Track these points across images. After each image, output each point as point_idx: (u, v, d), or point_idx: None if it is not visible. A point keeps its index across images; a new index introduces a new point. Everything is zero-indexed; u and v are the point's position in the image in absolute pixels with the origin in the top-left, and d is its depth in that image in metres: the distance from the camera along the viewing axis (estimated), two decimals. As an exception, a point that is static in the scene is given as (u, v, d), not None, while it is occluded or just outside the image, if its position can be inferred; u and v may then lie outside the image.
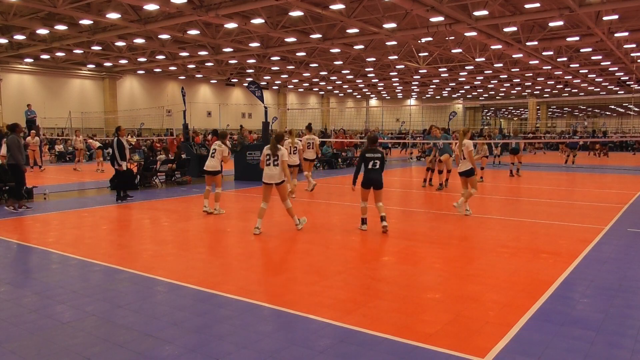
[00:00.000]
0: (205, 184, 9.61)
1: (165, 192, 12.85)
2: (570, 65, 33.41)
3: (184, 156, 15.78)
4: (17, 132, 10.11)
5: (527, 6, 18.66)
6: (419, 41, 26.27)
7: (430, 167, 14.02)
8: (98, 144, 21.67)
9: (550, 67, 33.25)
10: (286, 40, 25.61)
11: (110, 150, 28.45)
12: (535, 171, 17.75)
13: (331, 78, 41.75)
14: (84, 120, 32.88)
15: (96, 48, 28.06)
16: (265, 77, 41.50)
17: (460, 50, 27.86)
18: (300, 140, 12.97)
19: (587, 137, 33.76)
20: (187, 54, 29.78)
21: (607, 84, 45.30)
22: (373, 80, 43.75)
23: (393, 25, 21.74)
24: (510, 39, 23.95)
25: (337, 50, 28.05)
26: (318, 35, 23.76)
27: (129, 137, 30.95)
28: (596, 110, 72.06)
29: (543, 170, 19.68)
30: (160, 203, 10.58)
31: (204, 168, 9.47)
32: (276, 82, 46.15)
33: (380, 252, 6.55)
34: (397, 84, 47.26)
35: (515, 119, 79.02)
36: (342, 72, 38.32)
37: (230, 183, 15.33)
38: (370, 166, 7.71)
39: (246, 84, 22.60)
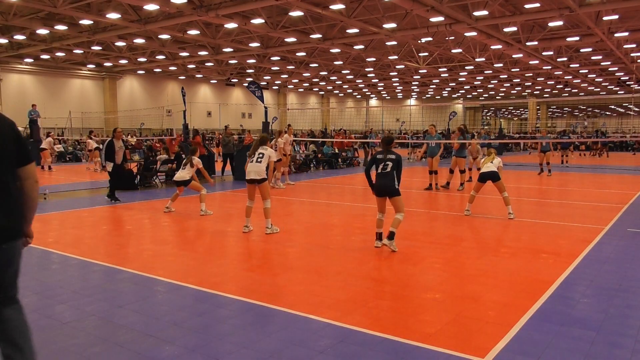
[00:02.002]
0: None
1: (165, 192, 12.85)
2: (570, 65, 33.41)
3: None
4: None
5: (527, 6, 18.66)
6: (419, 41, 26.27)
7: (461, 169, 13.53)
8: (95, 144, 21.73)
9: (550, 67, 33.25)
10: (286, 40, 25.61)
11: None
12: (535, 171, 17.75)
13: (331, 78, 41.75)
14: (84, 120, 32.91)
15: (96, 48, 28.07)
16: (265, 77, 41.50)
17: (460, 50, 27.86)
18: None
19: (587, 137, 33.78)
20: (187, 54, 29.78)
21: (607, 84, 45.31)
22: (373, 80, 43.75)
23: (393, 25, 21.74)
24: (510, 39, 23.95)
25: (337, 50, 28.04)
26: (318, 35, 23.76)
27: (130, 137, 31.02)
28: (596, 110, 72.06)
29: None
30: (160, 203, 10.58)
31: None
32: (276, 82, 46.15)
33: (380, 252, 6.55)
34: (397, 84, 47.26)
35: (515, 119, 79.05)
36: (342, 72, 38.32)
37: (230, 183, 15.35)
38: (380, 170, 6.61)
39: (246, 84, 22.61)
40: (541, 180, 16.06)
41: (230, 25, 21.27)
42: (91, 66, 35.64)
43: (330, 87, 50.98)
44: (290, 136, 14.78)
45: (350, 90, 54.41)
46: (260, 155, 7.59)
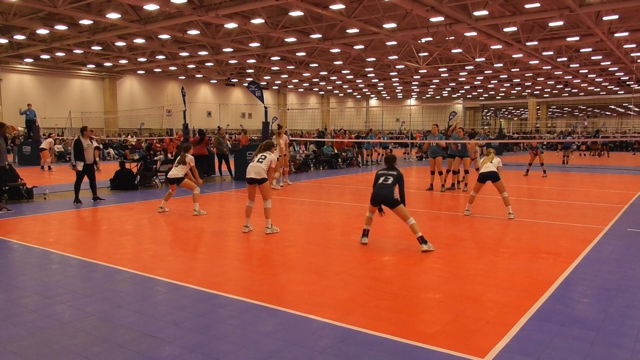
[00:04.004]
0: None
1: (165, 192, 12.83)
2: (570, 65, 33.43)
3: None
4: (0, 132, 10.00)
5: (527, 6, 18.67)
6: (419, 41, 26.28)
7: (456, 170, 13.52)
8: (95, 144, 21.71)
9: (550, 67, 33.27)
10: (286, 40, 25.63)
11: (110, 149, 28.52)
12: (535, 171, 17.75)
13: (331, 78, 41.77)
14: (84, 120, 32.84)
15: (96, 48, 28.09)
16: (265, 77, 41.51)
17: (460, 50, 27.88)
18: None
19: (587, 137, 33.81)
20: (187, 54, 29.80)
21: (607, 84, 45.33)
22: (373, 80, 43.77)
23: (393, 25, 21.75)
24: (510, 39, 23.96)
25: (337, 50, 28.06)
26: (318, 35, 23.77)
27: (129, 137, 31.01)
28: (596, 110, 72.07)
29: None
30: (160, 203, 10.57)
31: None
32: (276, 82, 46.16)
33: (380, 252, 6.55)
34: (397, 84, 47.28)
35: (515, 119, 79.07)
36: (342, 72, 38.34)
37: (230, 183, 15.35)
38: (380, 181, 6.75)
39: (246, 84, 22.60)
40: (541, 180, 16.06)
41: (230, 25, 21.29)
42: (91, 66, 35.66)
43: (330, 87, 51.00)
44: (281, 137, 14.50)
45: (350, 90, 54.42)
46: (263, 157, 7.65)
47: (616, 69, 35.31)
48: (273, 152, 7.94)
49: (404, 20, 20.93)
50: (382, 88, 50.81)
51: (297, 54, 30.31)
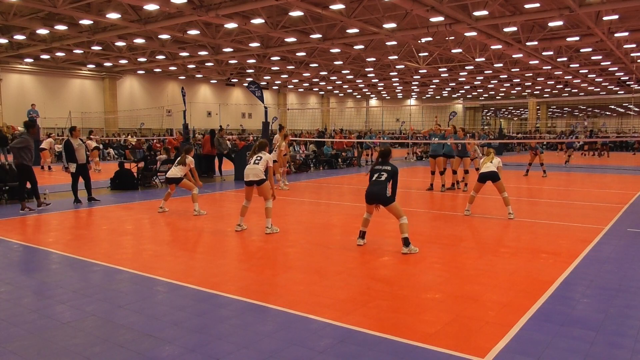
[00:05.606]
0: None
1: (165, 192, 12.83)
2: (570, 65, 33.41)
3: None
4: (32, 132, 10.09)
5: (527, 6, 18.66)
6: (419, 41, 26.27)
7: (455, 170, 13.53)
8: (94, 144, 21.79)
9: (550, 67, 33.25)
10: (286, 40, 25.62)
11: (110, 149, 28.49)
12: (535, 171, 17.76)
13: (331, 78, 41.74)
14: (84, 120, 32.91)
15: (96, 48, 28.07)
16: (265, 77, 41.49)
17: (460, 50, 27.86)
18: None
19: (587, 137, 33.84)
20: (187, 54, 29.77)
21: (607, 84, 45.31)
22: (373, 80, 43.74)
23: (393, 25, 21.74)
24: (510, 39, 23.95)
25: (337, 50, 28.04)
26: (318, 35, 23.76)
27: (129, 137, 31.00)
28: (596, 110, 72.06)
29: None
30: (160, 203, 10.58)
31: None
32: (276, 82, 46.13)
33: (380, 252, 6.55)
34: (397, 84, 47.25)
35: (515, 119, 79.06)
36: (342, 72, 38.31)
37: (231, 183, 15.35)
38: (374, 178, 6.66)
39: (246, 84, 22.61)
40: (541, 180, 16.06)
41: (230, 25, 21.27)
42: (91, 66, 35.63)
43: (330, 87, 50.97)
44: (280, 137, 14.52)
45: (350, 90, 54.39)
46: (259, 158, 7.68)
47: (616, 69, 35.29)
48: (271, 151, 7.97)
49: (404, 20, 20.93)
50: (382, 88, 50.79)
51: (297, 54, 30.30)
